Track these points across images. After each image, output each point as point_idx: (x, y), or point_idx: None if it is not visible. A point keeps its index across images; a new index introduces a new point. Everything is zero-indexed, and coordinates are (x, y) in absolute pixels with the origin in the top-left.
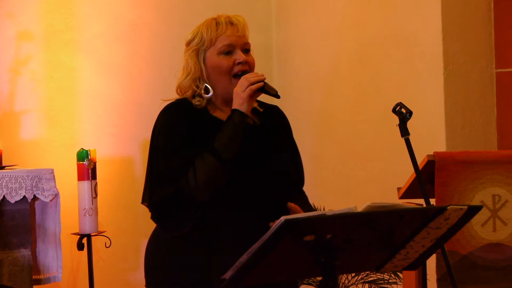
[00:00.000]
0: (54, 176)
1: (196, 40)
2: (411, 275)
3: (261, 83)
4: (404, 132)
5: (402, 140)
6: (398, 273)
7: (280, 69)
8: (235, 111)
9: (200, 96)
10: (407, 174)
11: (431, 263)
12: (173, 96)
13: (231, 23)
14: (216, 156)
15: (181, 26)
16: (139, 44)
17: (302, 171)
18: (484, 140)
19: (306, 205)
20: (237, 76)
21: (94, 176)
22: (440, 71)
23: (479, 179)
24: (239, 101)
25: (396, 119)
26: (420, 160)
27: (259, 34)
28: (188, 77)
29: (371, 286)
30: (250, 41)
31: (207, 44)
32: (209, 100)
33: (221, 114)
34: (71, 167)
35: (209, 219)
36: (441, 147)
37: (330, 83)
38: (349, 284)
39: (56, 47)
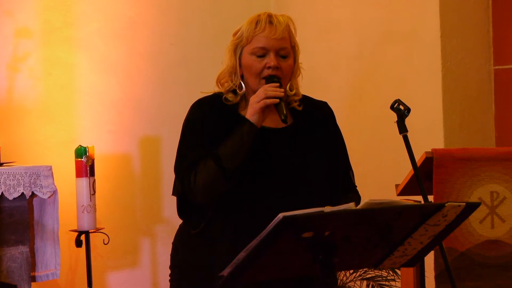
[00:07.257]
0: (52, 173)
1: (238, 34)
2: (409, 272)
3: (277, 100)
4: (402, 129)
5: (400, 137)
6: (396, 270)
7: None
8: (246, 120)
9: (235, 91)
10: (405, 171)
11: (429, 260)
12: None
13: (270, 23)
14: (218, 163)
15: (178, 24)
16: (137, 41)
17: (345, 173)
18: (482, 137)
19: None
20: (265, 79)
21: (92, 173)
22: (438, 68)
23: (477, 176)
24: (251, 111)
25: (394, 116)
26: (418, 157)
27: None
28: (226, 70)
29: (369, 283)
30: None
31: (245, 41)
32: (243, 96)
33: None
34: (69, 164)
35: (220, 220)
36: (439, 144)
37: (328, 80)
38: (348, 281)
39: (54, 44)
